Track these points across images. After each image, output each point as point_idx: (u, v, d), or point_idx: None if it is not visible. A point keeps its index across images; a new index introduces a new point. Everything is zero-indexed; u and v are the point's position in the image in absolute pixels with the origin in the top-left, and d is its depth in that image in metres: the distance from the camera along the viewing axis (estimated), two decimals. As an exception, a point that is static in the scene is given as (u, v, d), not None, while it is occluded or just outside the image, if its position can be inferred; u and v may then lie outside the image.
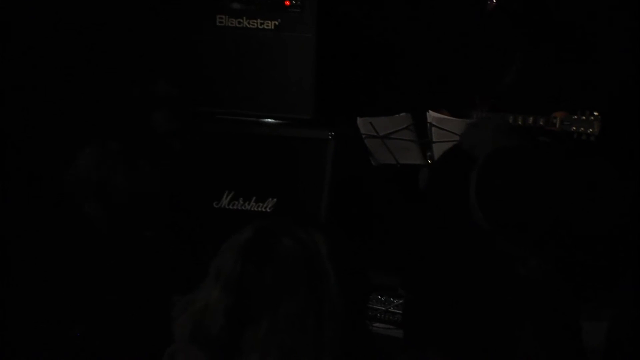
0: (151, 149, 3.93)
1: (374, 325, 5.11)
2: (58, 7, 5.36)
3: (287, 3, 5.22)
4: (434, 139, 4.86)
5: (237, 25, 5.34)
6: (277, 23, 5.27)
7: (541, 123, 4.81)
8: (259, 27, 5.30)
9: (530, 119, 4.82)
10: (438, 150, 4.80)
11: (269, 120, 5.34)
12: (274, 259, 2.24)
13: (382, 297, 5.17)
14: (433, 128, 4.86)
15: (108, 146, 3.67)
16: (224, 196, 5.26)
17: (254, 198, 5.24)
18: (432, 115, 4.87)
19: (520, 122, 4.86)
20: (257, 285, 2.22)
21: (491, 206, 3.15)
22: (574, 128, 4.73)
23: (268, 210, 5.22)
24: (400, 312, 5.09)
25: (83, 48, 5.43)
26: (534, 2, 4.99)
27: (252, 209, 5.23)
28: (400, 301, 5.11)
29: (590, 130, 4.70)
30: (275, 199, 5.22)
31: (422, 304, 3.36)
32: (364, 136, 5.02)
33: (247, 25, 5.32)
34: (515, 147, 3.56)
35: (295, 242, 2.26)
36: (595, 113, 4.72)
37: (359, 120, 5.02)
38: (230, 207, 5.25)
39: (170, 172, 4.37)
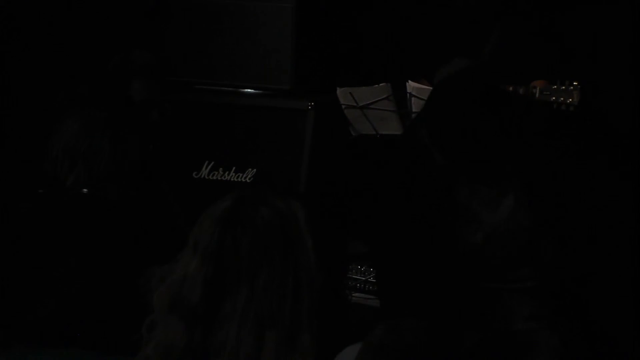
0: (130, 119, 3.92)
1: (353, 295, 5.12)
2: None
3: (267, -28, 5.21)
4: (414, 109, 4.85)
5: (217, -6, 5.32)
6: (256, -8, 5.25)
7: (520, 93, 4.82)
8: (239, -4, 5.29)
9: (510, 89, 4.83)
10: (417, 120, 4.80)
11: (249, 90, 5.32)
12: (251, 228, 2.24)
13: (361, 267, 5.18)
14: (413, 98, 4.86)
15: (93, 115, 3.66)
16: (204, 166, 5.25)
17: (233, 168, 5.23)
18: (411, 85, 4.87)
19: (499, 92, 4.86)
20: (234, 255, 2.22)
21: (441, 134, 3.11)
22: (554, 98, 4.74)
23: (248, 180, 5.22)
24: (380, 282, 5.11)
25: (60, 19, 5.40)
26: None
27: (232, 179, 5.23)
28: (380, 271, 5.13)
29: (570, 100, 4.71)
30: (255, 170, 5.21)
31: (394, 273, 3.36)
32: (343, 106, 5.02)
33: (227, -5, 5.30)
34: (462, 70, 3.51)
35: (273, 211, 2.26)
36: (575, 83, 4.73)
37: (339, 91, 5.01)
38: (210, 177, 5.25)
39: (148, 142, 4.36)
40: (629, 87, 5.18)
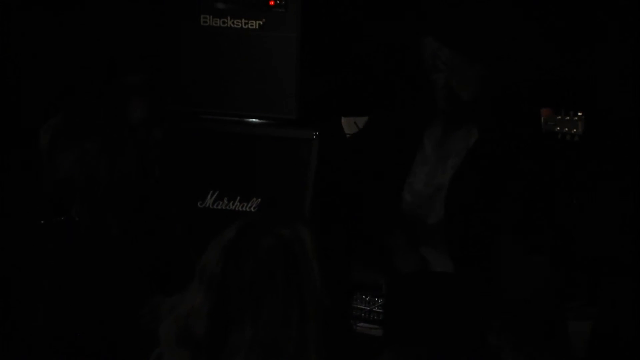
0: (128, 141, 3.91)
1: (358, 324, 5.11)
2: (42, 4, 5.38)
3: (272, 2, 5.20)
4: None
5: (222, 25, 5.32)
6: (261, 23, 5.26)
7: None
8: (243, 26, 5.29)
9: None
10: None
11: (253, 120, 5.33)
12: (253, 257, 2.24)
13: (366, 296, 5.17)
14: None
15: (86, 148, 3.66)
16: (209, 196, 5.25)
17: (238, 198, 5.23)
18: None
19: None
20: (238, 285, 2.22)
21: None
22: (558, 128, 4.74)
23: (252, 210, 5.21)
24: (385, 311, 5.10)
25: (65, 45, 5.42)
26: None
27: (237, 208, 5.22)
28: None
29: (575, 130, 4.72)
30: (259, 199, 5.21)
31: (401, 301, 3.37)
32: (348, 135, 5.03)
33: (232, 25, 5.31)
34: None
35: (276, 239, 2.26)
36: (579, 113, 4.73)
37: (343, 120, 5.03)
38: (215, 207, 5.24)
39: (153, 163, 4.35)
40: (629, 87, 5.18)
